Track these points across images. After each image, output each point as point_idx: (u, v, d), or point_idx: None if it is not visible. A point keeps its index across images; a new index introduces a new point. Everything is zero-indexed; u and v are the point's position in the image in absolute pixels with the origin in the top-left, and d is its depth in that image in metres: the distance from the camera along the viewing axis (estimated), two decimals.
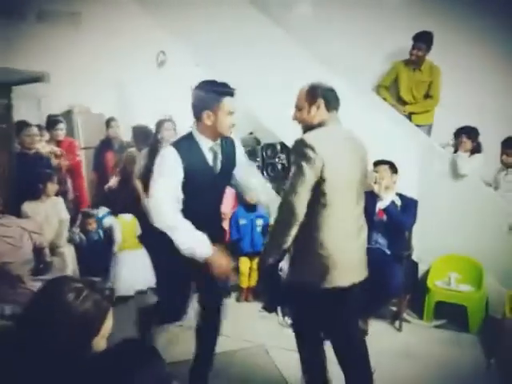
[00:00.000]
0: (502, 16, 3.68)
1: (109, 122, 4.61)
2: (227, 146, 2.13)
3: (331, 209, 1.86)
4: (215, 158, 2.07)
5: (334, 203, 1.86)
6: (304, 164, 1.80)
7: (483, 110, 3.76)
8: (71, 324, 1.07)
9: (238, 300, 3.68)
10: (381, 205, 3.10)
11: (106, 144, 4.62)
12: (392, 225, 3.07)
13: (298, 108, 2.03)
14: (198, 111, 1.99)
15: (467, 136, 3.44)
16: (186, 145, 2.01)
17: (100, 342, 1.14)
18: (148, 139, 3.97)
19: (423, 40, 3.74)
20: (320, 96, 1.97)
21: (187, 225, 1.91)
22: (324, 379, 2.20)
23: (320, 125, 1.96)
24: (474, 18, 3.77)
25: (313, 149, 1.79)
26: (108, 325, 1.16)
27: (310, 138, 1.86)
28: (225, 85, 1.99)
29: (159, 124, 3.71)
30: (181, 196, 1.97)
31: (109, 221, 3.78)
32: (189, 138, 2.05)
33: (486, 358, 2.69)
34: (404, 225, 3.10)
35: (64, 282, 1.16)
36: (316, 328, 2.15)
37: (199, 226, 1.94)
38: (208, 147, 2.04)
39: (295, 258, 2.01)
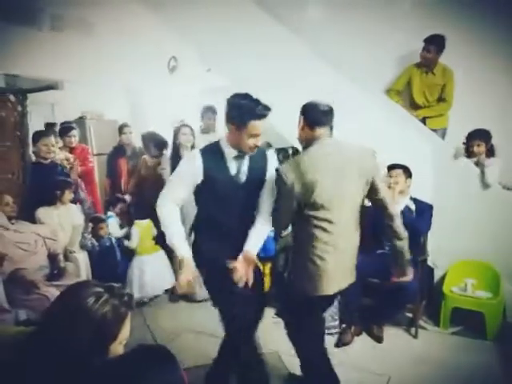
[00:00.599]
0: None
1: (122, 129, 4.64)
2: (257, 159, 2.07)
3: (324, 231, 1.97)
4: (239, 168, 2.03)
5: (324, 218, 1.95)
6: (282, 191, 1.94)
7: (496, 113, 3.71)
8: (89, 328, 1.08)
9: None
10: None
11: (119, 150, 4.65)
12: (407, 230, 3.03)
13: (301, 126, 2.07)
14: (226, 121, 1.98)
15: (482, 139, 3.39)
16: (211, 151, 2.02)
17: (117, 348, 1.15)
18: (158, 145, 4.01)
19: (433, 42, 3.70)
20: (301, 114, 2.04)
21: (175, 226, 1.99)
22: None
23: (308, 144, 2.01)
24: (486, 19, 3.73)
25: (286, 176, 1.90)
26: (126, 330, 1.17)
27: (285, 167, 1.94)
28: (257, 104, 1.90)
29: (177, 130, 3.75)
30: (185, 198, 2.05)
31: (115, 226, 3.82)
32: (216, 145, 2.05)
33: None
34: (419, 230, 3.06)
35: (85, 286, 1.18)
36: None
37: (220, 233, 1.99)
38: (232, 156, 2.00)
39: (291, 268, 2.16)
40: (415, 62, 3.90)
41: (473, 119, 3.60)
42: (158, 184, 3.86)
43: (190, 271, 1.92)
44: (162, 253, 3.73)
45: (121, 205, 3.99)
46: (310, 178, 1.89)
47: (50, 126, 4.48)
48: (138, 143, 4.73)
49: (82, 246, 3.48)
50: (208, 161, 1.96)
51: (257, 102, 1.91)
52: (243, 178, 2.03)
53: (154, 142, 4.04)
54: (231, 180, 2.02)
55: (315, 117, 1.99)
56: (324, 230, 1.96)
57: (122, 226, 3.88)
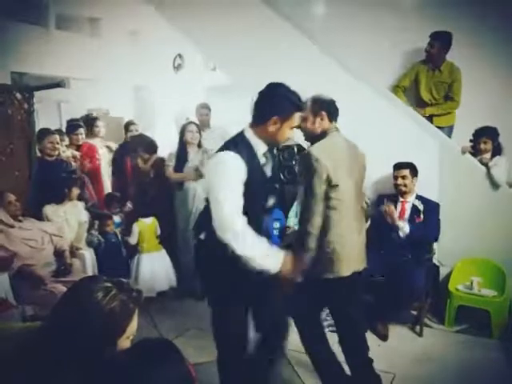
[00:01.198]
0: None
1: (128, 126, 4.65)
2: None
3: (336, 210, 2.10)
4: (267, 163, 1.98)
5: (339, 205, 2.10)
6: (314, 177, 2.03)
7: (503, 110, 3.69)
8: (98, 322, 1.09)
9: None
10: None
11: (125, 148, 4.66)
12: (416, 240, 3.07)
13: (303, 118, 2.12)
14: (266, 114, 1.87)
15: (489, 137, 3.36)
16: (244, 148, 1.87)
17: (124, 343, 1.16)
18: (147, 149, 4.03)
19: (437, 38, 3.68)
20: (324, 109, 2.18)
21: (256, 237, 1.82)
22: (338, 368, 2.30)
23: (322, 135, 2.17)
24: (491, 18, 3.71)
25: (318, 160, 2.02)
26: (133, 326, 1.18)
27: (315, 150, 2.09)
28: (298, 96, 1.89)
29: (183, 127, 3.77)
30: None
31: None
32: (242, 140, 1.92)
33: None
34: (429, 239, 3.08)
35: (94, 281, 1.19)
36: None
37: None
38: (262, 152, 1.94)
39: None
40: (422, 59, 3.89)
41: (479, 117, 3.59)
42: (156, 183, 3.93)
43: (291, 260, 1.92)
44: (164, 252, 3.75)
45: (120, 204, 3.97)
46: (332, 162, 2.05)
47: (72, 122, 4.47)
48: None
49: (89, 243, 3.50)
50: (247, 160, 1.84)
51: (295, 92, 1.90)
52: (269, 173, 2.02)
53: (143, 146, 4.05)
54: (264, 176, 1.97)
55: (336, 111, 2.21)
56: (338, 211, 2.09)
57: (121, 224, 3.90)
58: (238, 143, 1.91)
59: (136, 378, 0.99)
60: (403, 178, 3.12)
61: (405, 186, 3.12)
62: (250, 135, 1.93)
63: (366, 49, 3.99)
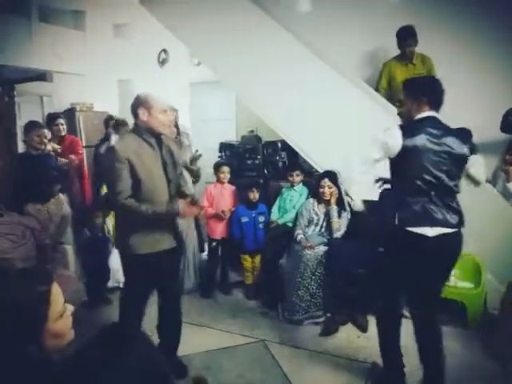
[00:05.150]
0: (496, 13, 3.70)
1: (108, 122, 4.60)
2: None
3: None
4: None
5: None
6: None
7: (480, 109, 3.77)
8: (9, 318, 1.01)
9: (247, 297, 3.71)
10: None
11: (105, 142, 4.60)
12: None
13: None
14: (417, 94, 2.18)
15: None
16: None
17: (60, 323, 1.10)
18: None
19: (410, 34, 3.75)
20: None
21: None
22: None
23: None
24: (468, 18, 3.81)
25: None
26: (57, 305, 1.10)
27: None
28: None
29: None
30: None
31: None
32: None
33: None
34: None
35: None
36: None
37: None
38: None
39: None
40: (393, 57, 3.95)
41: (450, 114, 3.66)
42: None
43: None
44: None
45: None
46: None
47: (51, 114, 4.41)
48: None
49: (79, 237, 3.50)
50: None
51: None
52: None
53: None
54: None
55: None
56: None
57: None
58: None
59: (106, 368, 0.92)
60: None
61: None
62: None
63: (352, 47, 4.04)
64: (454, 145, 2.09)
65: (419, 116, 2.14)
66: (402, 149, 2.06)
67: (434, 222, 2.07)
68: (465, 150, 2.13)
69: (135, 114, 2.32)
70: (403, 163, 2.10)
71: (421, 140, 2.05)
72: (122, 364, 0.92)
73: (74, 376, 0.92)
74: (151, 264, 2.28)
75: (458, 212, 2.14)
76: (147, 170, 2.22)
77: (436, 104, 2.13)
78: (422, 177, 2.05)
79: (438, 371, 2.24)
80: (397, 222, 2.08)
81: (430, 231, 2.06)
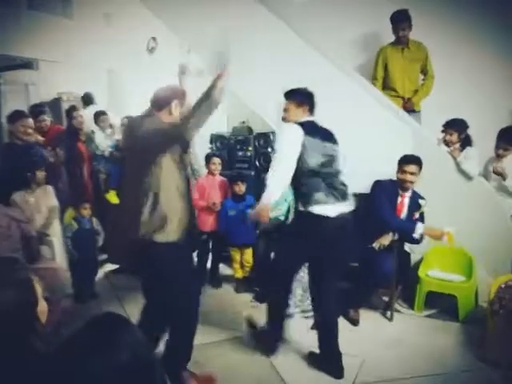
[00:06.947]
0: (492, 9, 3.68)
1: (70, 112, 4.43)
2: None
3: None
4: None
5: None
6: None
7: (473, 102, 3.76)
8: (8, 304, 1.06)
9: (237, 291, 3.67)
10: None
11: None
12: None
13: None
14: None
15: (454, 129, 3.40)
16: None
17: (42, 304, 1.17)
18: None
19: (405, 18, 3.75)
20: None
21: None
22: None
23: None
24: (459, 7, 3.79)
25: None
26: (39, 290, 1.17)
27: None
28: None
29: None
30: None
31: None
32: None
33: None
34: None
35: None
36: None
37: None
38: None
39: None
40: (388, 43, 3.92)
41: (447, 107, 3.65)
42: None
43: None
44: None
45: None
46: None
47: (35, 108, 4.23)
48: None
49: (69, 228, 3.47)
50: None
51: None
52: None
53: None
54: None
55: None
56: None
57: None
58: None
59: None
60: (412, 174, 3.05)
61: (411, 182, 3.06)
62: None
63: (343, 34, 3.99)
64: None
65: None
66: None
67: None
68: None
69: (161, 106, 2.14)
70: None
71: None
72: (110, 351, 0.92)
73: (64, 363, 0.93)
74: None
75: None
76: None
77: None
78: None
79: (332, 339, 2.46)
80: None
81: None
